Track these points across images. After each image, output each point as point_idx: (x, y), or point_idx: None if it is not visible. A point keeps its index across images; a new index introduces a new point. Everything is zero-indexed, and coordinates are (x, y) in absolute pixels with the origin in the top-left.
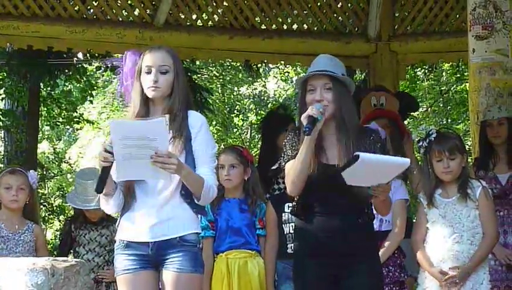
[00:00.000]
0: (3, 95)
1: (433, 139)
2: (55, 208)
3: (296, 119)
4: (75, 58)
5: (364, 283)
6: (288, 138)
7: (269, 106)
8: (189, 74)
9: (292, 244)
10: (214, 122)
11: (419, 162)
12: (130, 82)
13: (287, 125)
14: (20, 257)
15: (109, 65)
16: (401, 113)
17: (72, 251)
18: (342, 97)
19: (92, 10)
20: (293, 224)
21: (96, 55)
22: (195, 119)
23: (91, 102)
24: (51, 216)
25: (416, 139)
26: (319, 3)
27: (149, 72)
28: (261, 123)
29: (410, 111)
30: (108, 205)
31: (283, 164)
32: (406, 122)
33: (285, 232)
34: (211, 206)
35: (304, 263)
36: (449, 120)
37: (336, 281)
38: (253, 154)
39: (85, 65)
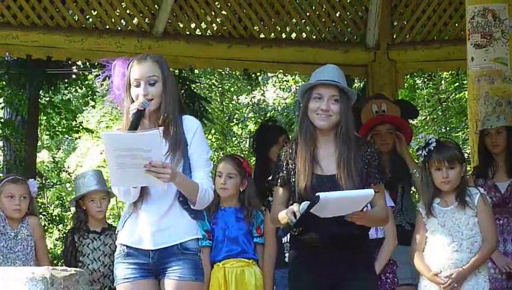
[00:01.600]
0: (3, 104)
1: (432, 148)
2: (54, 217)
3: (286, 130)
4: (74, 67)
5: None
6: (283, 152)
7: (268, 114)
8: (187, 82)
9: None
10: (212, 131)
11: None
12: (122, 91)
13: (278, 137)
14: (20, 255)
15: (106, 75)
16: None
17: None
18: (346, 109)
19: (90, 19)
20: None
21: (96, 64)
22: (190, 124)
23: (93, 107)
24: (50, 225)
25: (415, 148)
26: (317, 12)
27: (138, 86)
28: (253, 137)
29: (409, 118)
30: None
31: (273, 183)
32: None
33: (282, 241)
34: (207, 216)
35: (298, 273)
36: (448, 128)
37: (333, 288)
38: (251, 163)
39: (85, 73)
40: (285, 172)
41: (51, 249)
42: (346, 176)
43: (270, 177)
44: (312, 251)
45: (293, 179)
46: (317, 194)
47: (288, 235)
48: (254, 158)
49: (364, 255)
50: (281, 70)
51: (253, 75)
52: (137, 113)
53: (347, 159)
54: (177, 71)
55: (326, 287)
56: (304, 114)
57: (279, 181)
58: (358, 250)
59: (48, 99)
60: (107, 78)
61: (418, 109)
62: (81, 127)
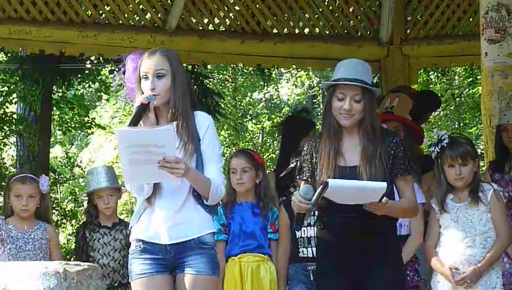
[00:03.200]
0: (16, 100)
1: (445, 144)
2: (67, 212)
3: (315, 124)
4: (88, 62)
5: (387, 285)
6: (307, 146)
7: (283, 111)
8: (200, 78)
9: (304, 249)
10: (225, 127)
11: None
12: (135, 85)
13: (309, 130)
14: (30, 254)
15: (121, 70)
16: (420, 113)
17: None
18: (370, 106)
19: (103, 15)
20: (305, 228)
21: (109, 59)
22: (203, 120)
23: (108, 100)
24: (64, 221)
25: (428, 144)
26: (330, 7)
27: (146, 78)
28: (282, 126)
29: (430, 110)
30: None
31: (299, 177)
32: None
33: (297, 236)
34: (224, 210)
35: (325, 267)
36: (461, 124)
37: (358, 283)
38: (265, 159)
39: (98, 68)
40: (310, 166)
41: (64, 244)
42: (368, 168)
43: (284, 172)
44: (337, 245)
45: (317, 172)
46: (326, 180)
47: (303, 231)
48: (269, 151)
49: (391, 249)
50: (293, 66)
51: (266, 71)
52: (141, 106)
53: (371, 153)
54: (190, 66)
55: (353, 280)
56: (327, 110)
57: (304, 176)
58: (384, 244)
59: (61, 94)
60: (121, 73)
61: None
62: (93, 123)
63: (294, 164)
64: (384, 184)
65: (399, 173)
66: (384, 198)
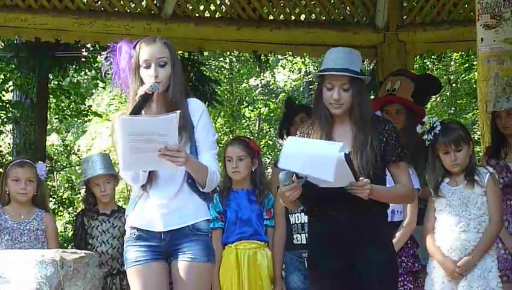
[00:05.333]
0: (12, 87)
1: (438, 131)
2: (64, 200)
3: (305, 108)
4: (84, 50)
5: (379, 272)
6: (299, 132)
7: (280, 97)
8: (197, 65)
9: (298, 235)
10: (222, 114)
11: None
12: (128, 73)
13: (294, 117)
14: (26, 246)
15: (111, 59)
16: (420, 97)
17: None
18: (359, 94)
19: (99, 2)
20: (298, 215)
21: (105, 46)
22: (196, 107)
23: (104, 88)
24: (60, 208)
25: (420, 131)
26: None
27: (148, 67)
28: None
29: (430, 94)
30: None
31: None
32: None
33: (291, 223)
34: (220, 197)
35: (317, 254)
36: (457, 110)
37: (351, 270)
38: (262, 145)
39: (95, 55)
40: None
41: (61, 232)
42: (359, 155)
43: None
44: (329, 232)
45: None
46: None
47: (297, 217)
48: (266, 138)
49: (383, 236)
50: (290, 52)
51: (262, 57)
52: (144, 96)
53: (362, 140)
54: (186, 54)
55: (345, 267)
56: (318, 98)
57: None
58: (376, 231)
59: (57, 82)
60: (112, 61)
61: None
62: (90, 111)
63: None
64: (339, 144)
65: (391, 159)
66: (366, 179)
